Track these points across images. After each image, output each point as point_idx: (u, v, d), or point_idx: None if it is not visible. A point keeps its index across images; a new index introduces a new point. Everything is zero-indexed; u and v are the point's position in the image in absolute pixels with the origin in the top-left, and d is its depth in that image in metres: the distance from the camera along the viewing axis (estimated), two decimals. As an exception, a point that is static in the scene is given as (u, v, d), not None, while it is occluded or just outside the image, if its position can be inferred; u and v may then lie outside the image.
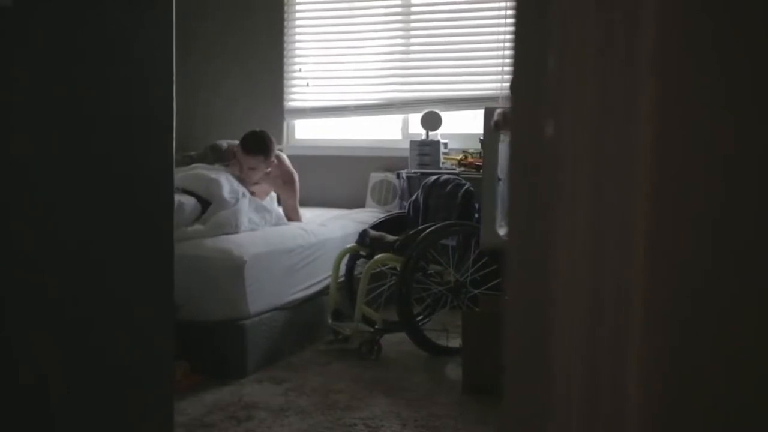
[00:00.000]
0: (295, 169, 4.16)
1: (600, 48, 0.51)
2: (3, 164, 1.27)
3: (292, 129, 5.35)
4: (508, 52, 4.68)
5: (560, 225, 0.52)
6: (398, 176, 4.71)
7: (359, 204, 4.87)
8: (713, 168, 0.51)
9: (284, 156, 4.08)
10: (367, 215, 4.41)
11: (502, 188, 2.91)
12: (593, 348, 0.53)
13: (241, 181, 3.84)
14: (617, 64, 0.51)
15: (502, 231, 2.82)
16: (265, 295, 3.17)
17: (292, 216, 3.95)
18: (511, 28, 0.59)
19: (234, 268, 3.02)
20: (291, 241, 3.50)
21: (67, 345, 1.44)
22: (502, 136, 2.87)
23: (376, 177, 4.92)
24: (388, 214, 4.22)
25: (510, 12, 4.61)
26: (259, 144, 3.78)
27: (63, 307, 1.42)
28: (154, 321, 1.68)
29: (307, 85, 5.23)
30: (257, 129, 3.92)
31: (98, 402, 1.53)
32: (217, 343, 3.05)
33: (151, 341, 1.66)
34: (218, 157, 4.01)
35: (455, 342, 3.45)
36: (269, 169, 3.87)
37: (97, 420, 1.53)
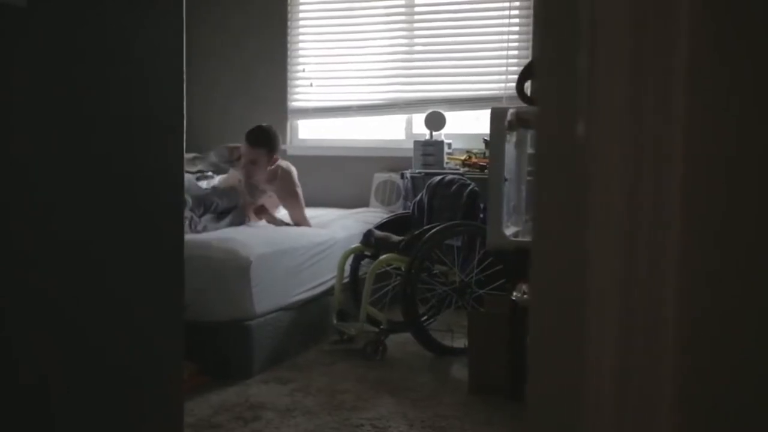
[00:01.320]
0: (298, 169, 4.16)
1: (632, 47, 0.50)
2: (3, 164, 1.26)
3: (295, 129, 5.35)
4: (512, 52, 4.68)
5: (592, 223, 0.52)
6: (402, 176, 4.71)
7: (363, 204, 4.86)
8: (746, 166, 0.50)
9: (293, 171, 4.06)
10: (371, 215, 4.41)
11: (508, 188, 2.91)
12: (627, 344, 0.52)
13: (248, 184, 3.83)
14: (650, 64, 0.50)
15: (508, 231, 2.82)
16: (271, 295, 3.17)
17: (301, 224, 3.95)
18: (537, 25, 0.58)
19: (240, 269, 3.02)
20: (296, 241, 3.50)
21: (67, 345, 1.43)
22: (508, 136, 2.87)
23: (379, 177, 4.92)
24: (393, 214, 4.21)
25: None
26: (262, 136, 3.83)
27: (63, 307, 1.42)
28: (156, 321, 1.67)
29: (311, 85, 5.23)
30: (265, 124, 3.94)
31: (99, 402, 1.52)
32: (222, 344, 3.05)
33: (151, 341, 1.65)
34: (223, 158, 4.02)
35: (460, 342, 3.45)
36: (272, 166, 3.86)
37: (98, 420, 1.52)
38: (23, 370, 1.35)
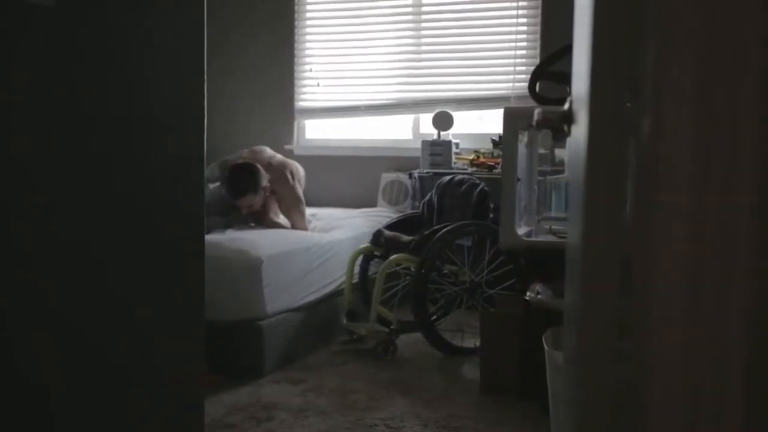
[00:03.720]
0: (305, 169, 4.13)
1: (702, 42, 0.50)
2: (3, 164, 1.26)
3: (302, 129, 5.35)
4: (520, 51, 4.68)
5: (659, 222, 0.51)
6: (410, 176, 4.70)
7: (370, 204, 4.86)
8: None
9: (292, 170, 3.93)
10: (380, 215, 4.41)
11: (519, 188, 2.91)
12: (694, 348, 0.52)
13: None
14: (720, 58, 0.50)
15: (520, 231, 2.82)
16: (282, 295, 3.17)
17: (296, 226, 3.84)
18: (598, 18, 0.58)
19: (251, 268, 3.02)
20: (306, 241, 3.50)
21: (66, 345, 1.43)
22: (520, 136, 2.86)
23: (387, 177, 4.92)
24: (402, 214, 4.21)
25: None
26: (241, 185, 3.62)
27: (63, 307, 1.41)
28: (160, 321, 1.67)
29: (318, 85, 5.22)
30: (239, 164, 3.72)
31: (100, 403, 1.52)
32: (234, 344, 3.05)
33: (151, 341, 1.64)
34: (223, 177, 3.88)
35: (470, 342, 3.45)
36: (267, 194, 3.75)
37: (98, 421, 1.52)
38: (23, 370, 1.35)
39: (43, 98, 1.33)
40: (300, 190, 3.93)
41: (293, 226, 3.82)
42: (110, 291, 1.51)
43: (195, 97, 1.65)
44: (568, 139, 3.20)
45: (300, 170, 4.07)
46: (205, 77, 1.67)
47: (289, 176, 3.89)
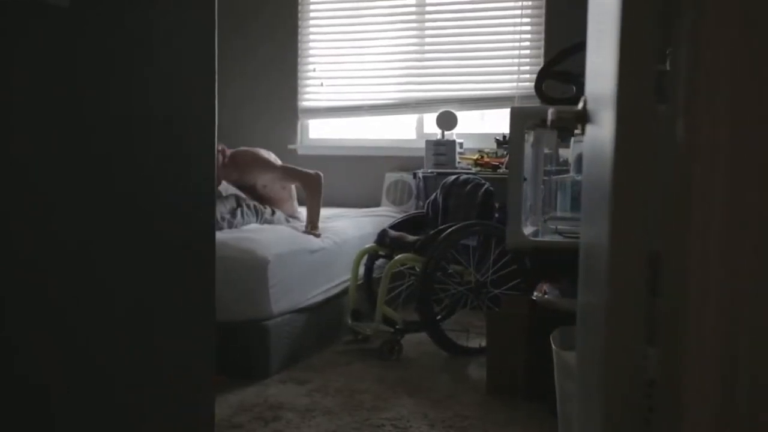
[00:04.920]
0: (309, 168, 4.14)
1: (736, 39, 0.50)
2: (3, 164, 1.25)
3: (306, 129, 5.35)
4: (524, 51, 4.67)
5: (694, 226, 0.51)
6: (415, 176, 4.70)
7: (374, 204, 4.86)
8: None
9: (258, 152, 4.02)
10: (384, 215, 4.41)
11: (525, 188, 2.90)
12: (727, 353, 0.52)
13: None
14: (755, 55, 0.49)
15: (526, 231, 2.81)
16: (288, 295, 3.16)
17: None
18: (626, 17, 0.57)
19: (257, 268, 3.01)
20: (311, 241, 3.50)
21: (66, 345, 1.42)
22: (526, 136, 2.86)
23: (391, 177, 4.91)
24: (407, 214, 4.21)
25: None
26: None
27: (63, 307, 1.41)
28: (158, 321, 1.66)
29: (321, 84, 5.22)
30: None
31: (100, 403, 1.51)
32: (239, 344, 3.04)
33: (152, 341, 1.64)
34: None
35: (474, 342, 3.44)
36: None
37: (98, 421, 1.51)
38: (23, 370, 1.34)
39: (43, 98, 1.32)
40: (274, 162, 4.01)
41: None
42: (110, 291, 1.51)
43: (203, 96, 1.65)
44: (574, 139, 3.18)
45: (270, 154, 4.14)
46: (216, 77, 1.67)
47: (262, 154, 3.98)
